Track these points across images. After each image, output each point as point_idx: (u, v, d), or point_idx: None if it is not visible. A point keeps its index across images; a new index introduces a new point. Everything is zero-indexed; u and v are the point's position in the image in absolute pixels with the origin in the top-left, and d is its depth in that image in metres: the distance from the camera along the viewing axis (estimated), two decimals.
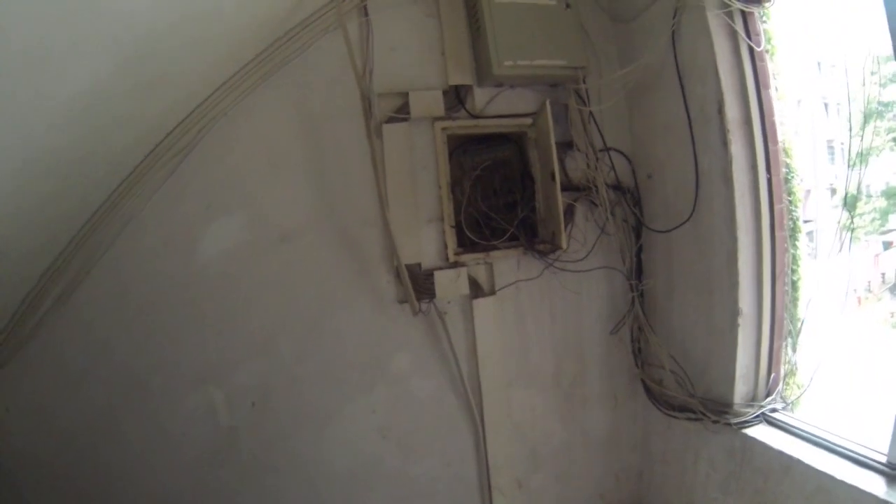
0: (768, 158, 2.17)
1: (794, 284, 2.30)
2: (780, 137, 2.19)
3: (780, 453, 2.01)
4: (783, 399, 2.26)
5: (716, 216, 2.22)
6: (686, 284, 2.45)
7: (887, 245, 3.92)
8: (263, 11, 2.09)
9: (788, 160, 2.26)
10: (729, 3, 2.06)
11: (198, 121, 2.16)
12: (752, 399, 2.26)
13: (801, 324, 2.26)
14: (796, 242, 2.29)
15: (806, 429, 2.07)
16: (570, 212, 2.55)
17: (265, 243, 2.31)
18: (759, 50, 2.12)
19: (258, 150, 2.29)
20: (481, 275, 2.53)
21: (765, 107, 2.16)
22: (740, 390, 2.24)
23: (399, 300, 2.43)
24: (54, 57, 1.28)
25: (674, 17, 2.20)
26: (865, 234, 3.97)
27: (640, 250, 2.61)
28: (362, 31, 2.32)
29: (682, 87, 2.25)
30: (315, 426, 2.42)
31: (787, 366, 2.29)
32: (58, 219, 1.96)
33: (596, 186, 2.52)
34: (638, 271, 2.61)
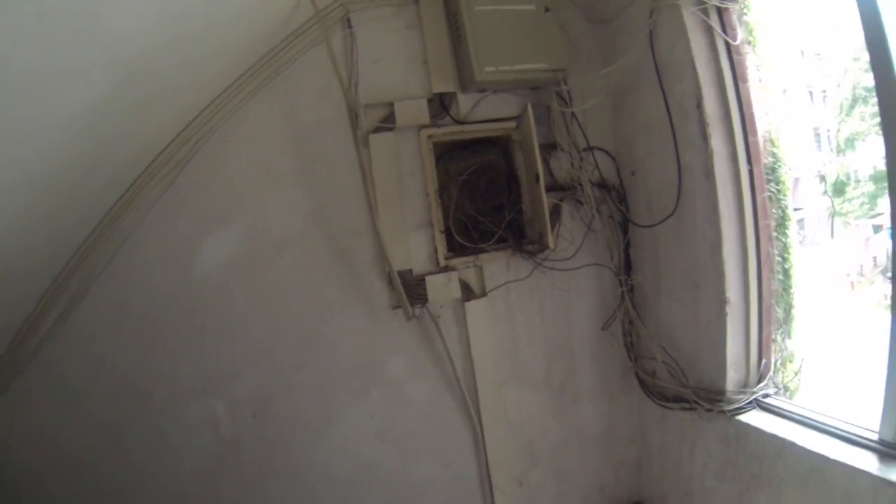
0: (748, 150, 2.20)
1: (786, 272, 2.32)
2: (764, 128, 2.21)
3: (774, 437, 2.02)
4: (776, 384, 2.27)
5: (699, 209, 2.25)
6: (674, 277, 2.48)
7: (877, 228, 3.95)
8: (254, 27, 2.14)
9: (775, 149, 2.27)
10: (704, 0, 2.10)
11: (193, 135, 2.21)
12: (745, 386, 2.28)
13: (794, 310, 2.29)
14: (786, 231, 2.31)
15: (798, 412, 2.08)
16: (556, 211, 2.59)
17: (260, 254, 2.35)
18: (735, 44, 2.15)
19: (251, 163, 2.33)
20: (472, 278, 2.57)
21: (743, 100, 2.19)
22: (732, 377, 2.26)
23: (392, 306, 2.46)
24: (53, 78, 1.32)
25: (650, 17, 2.24)
26: (856, 218, 4.00)
27: (627, 246, 2.64)
28: (346, 43, 2.37)
29: (661, 84, 2.28)
30: (314, 433, 2.45)
31: (781, 353, 2.31)
32: (58, 236, 2.00)
33: (581, 185, 2.56)
34: (626, 266, 2.63)
